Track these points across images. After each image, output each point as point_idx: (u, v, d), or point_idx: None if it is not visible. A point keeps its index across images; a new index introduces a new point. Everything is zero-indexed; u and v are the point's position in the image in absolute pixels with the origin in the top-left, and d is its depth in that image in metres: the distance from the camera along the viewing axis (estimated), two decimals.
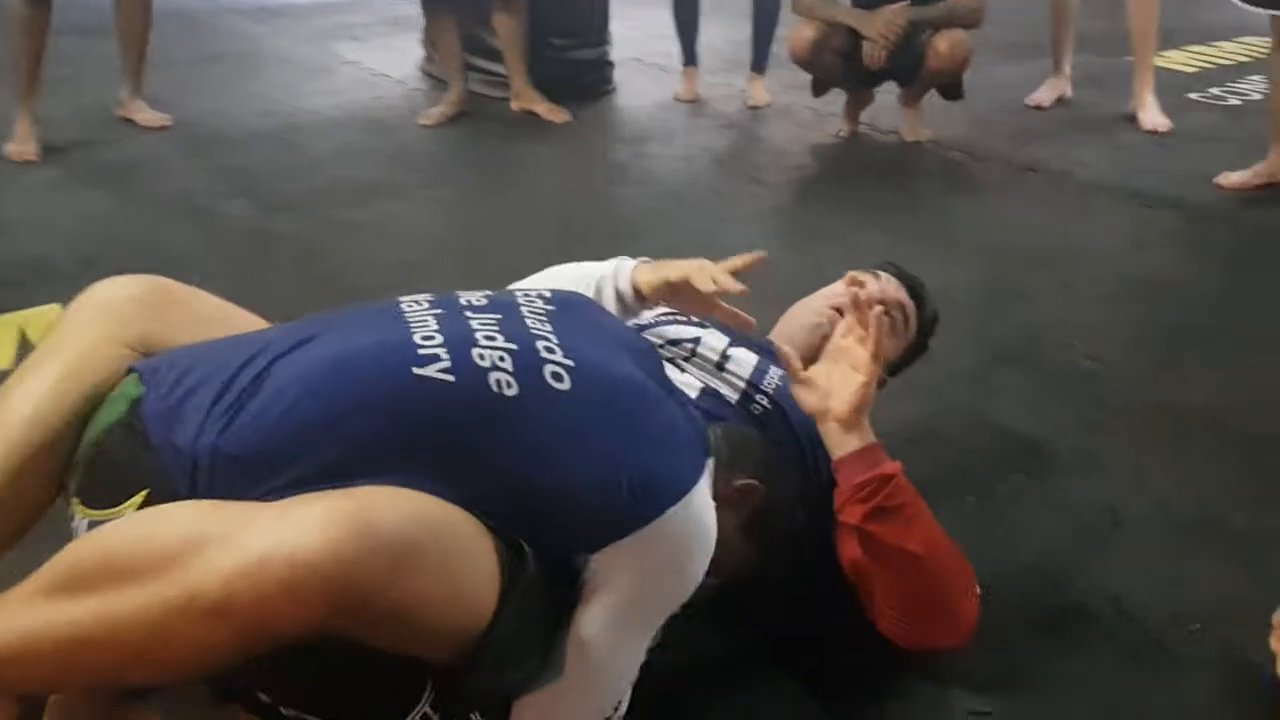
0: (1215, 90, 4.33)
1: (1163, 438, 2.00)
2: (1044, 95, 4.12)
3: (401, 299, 1.25)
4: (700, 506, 1.16)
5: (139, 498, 1.06)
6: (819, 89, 3.78)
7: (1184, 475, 1.87)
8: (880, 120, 3.86)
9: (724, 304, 1.52)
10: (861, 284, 1.67)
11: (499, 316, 1.21)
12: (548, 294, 1.31)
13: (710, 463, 1.20)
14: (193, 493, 1.04)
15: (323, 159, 3.51)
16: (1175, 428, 2.03)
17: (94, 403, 1.15)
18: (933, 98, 3.71)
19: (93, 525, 1.07)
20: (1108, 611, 1.56)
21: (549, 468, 1.11)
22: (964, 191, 3.40)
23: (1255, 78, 4.43)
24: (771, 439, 1.44)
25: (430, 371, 1.11)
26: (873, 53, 3.45)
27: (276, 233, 2.90)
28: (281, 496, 0.99)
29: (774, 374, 1.57)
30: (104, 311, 1.23)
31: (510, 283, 1.54)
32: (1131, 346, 2.35)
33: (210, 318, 1.29)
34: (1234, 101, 4.22)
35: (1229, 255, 2.89)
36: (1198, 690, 1.43)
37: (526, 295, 1.30)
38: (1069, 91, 4.18)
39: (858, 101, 3.81)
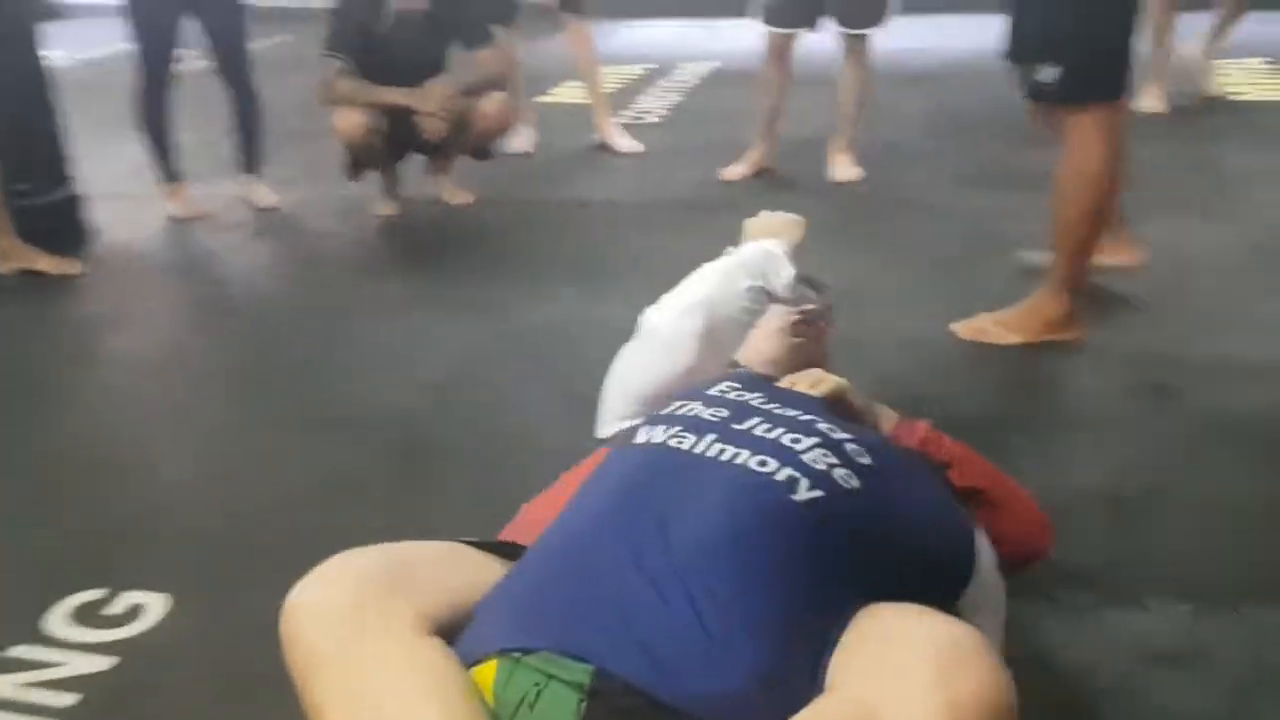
0: (627, 114, 5.04)
1: None
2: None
3: (669, 439, 1.23)
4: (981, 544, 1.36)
5: None
6: (356, 172, 3.72)
7: None
8: (409, 192, 3.91)
9: None
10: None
11: (768, 422, 1.26)
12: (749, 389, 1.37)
13: None
14: None
15: None
16: None
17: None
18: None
19: None
20: None
21: (913, 534, 1.24)
22: (574, 230, 3.63)
23: (643, 98, 5.28)
24: None
25: (804, 495, 1.14)
26: (434, 127, 3.51)
27: None
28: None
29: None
30: (374, 619, 1.04)
31: None
32: None
33: (435, 559, 1.16)
34: (653, 120, 4.98)
35: None
36: None
37: (744, 395, 1.35)
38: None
39: (392, 180, 3.82)
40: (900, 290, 2.96)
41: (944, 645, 0.95)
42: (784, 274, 1.80)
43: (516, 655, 0.99)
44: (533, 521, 1.39)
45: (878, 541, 1.16)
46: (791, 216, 2.00)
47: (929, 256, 3.18)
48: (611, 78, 5.14)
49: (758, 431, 1.22)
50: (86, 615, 1.76)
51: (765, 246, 1.86)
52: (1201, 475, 2.04)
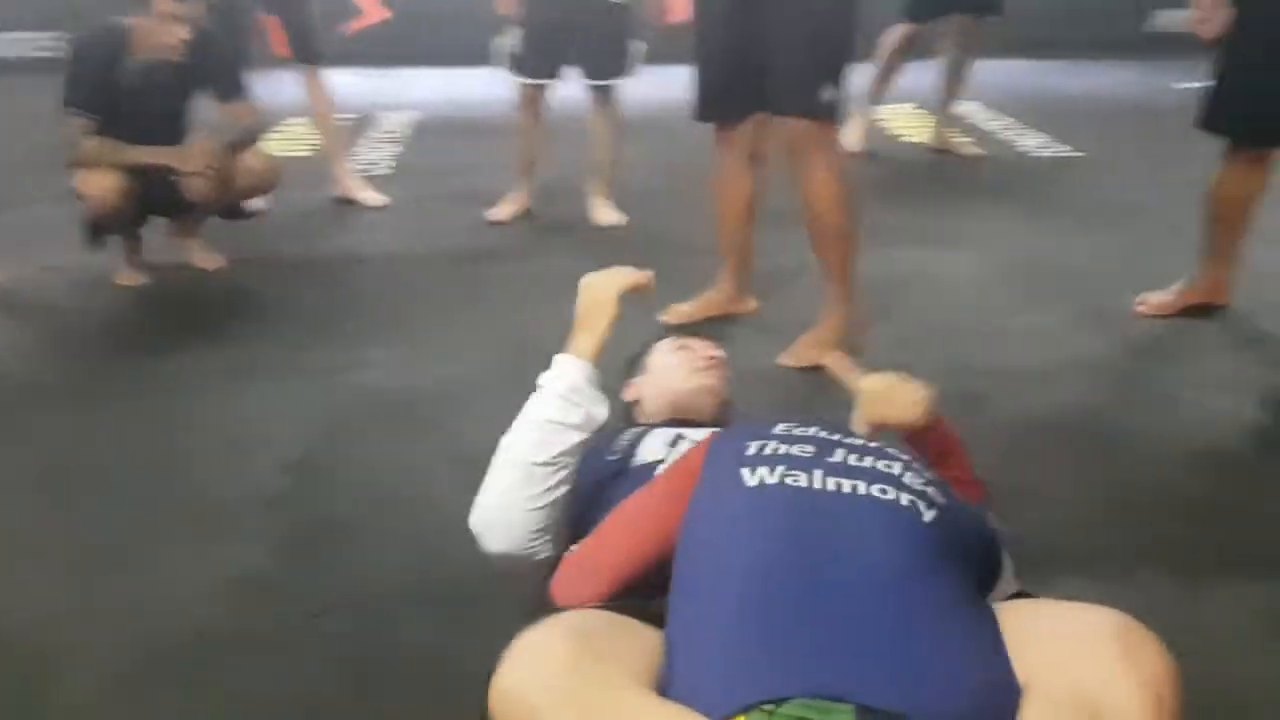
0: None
1: None
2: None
3: (786, 479, 1.27)
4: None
5: None
6: (97, 239, 3.38)
7: None
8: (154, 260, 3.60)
9: None
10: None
11: (853, 453, 1.34)
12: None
13: None
14: None
15: None
16: None
17: None
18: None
19: None
20: None
21: (972, 534, 1.40)
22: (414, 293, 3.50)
23: (359, 151, 5.17)
24: None
25: (927, 516, 1.25)
26: (200, 187, 3.27)
27: None
28: None
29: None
30: (595, 678, 1.05)
31: None
32: None
33: (599, 625, 1.17)
34: (384, 171, 4.89)
35: None
36: None
37: (806, 430, 1.42)
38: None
39: (136, 246, 3.50)
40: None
41: (1114, 631, 1.09)
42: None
43: (768, 708, 1.02)
44: (609, 566, 1.39)
45: (969, 547, 1.29)
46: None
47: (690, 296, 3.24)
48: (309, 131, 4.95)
49: (851, 462, 1.30)
50: None
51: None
52: (1026, 469, 2.33)
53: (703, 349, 2.04)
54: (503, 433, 2.43)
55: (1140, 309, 3.16)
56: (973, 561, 1.29)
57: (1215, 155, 3.03)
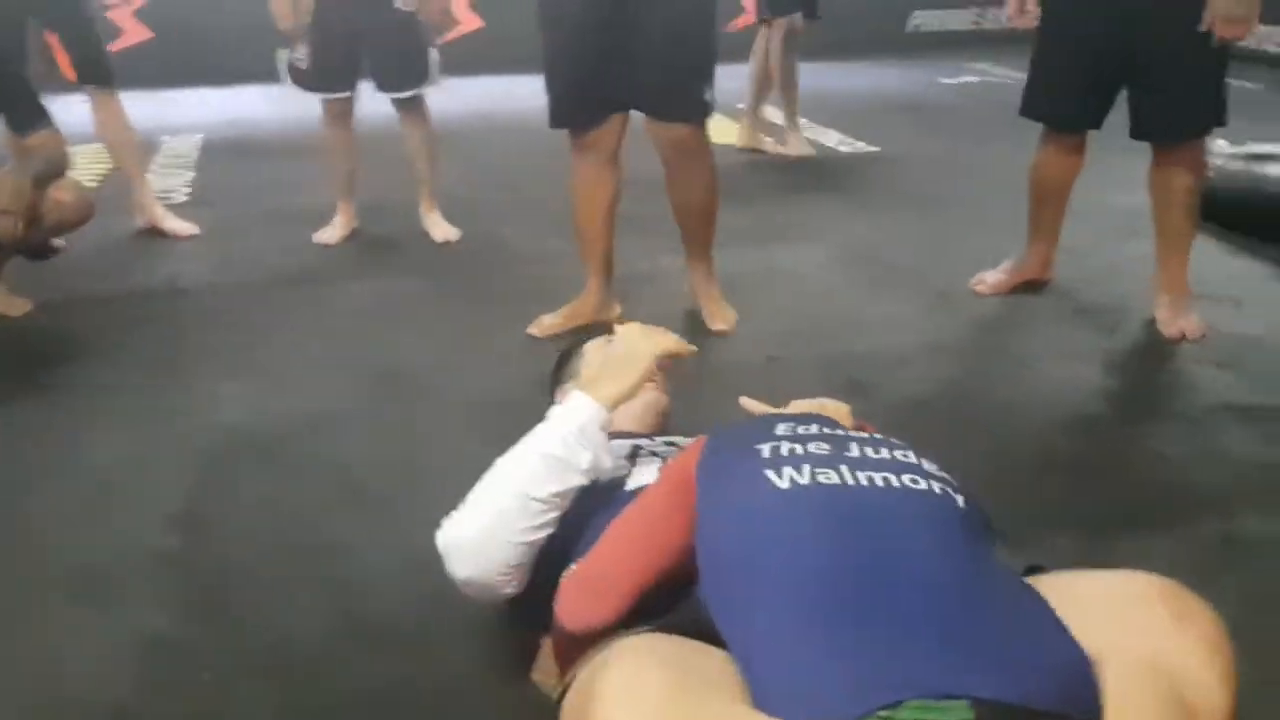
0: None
1: None
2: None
3: (819, 477, 1.25)
4: None
5: None
6: None
7: None
8: None
9: None
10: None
11: (866, 445, 1.34)
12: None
13: None
14: None
15: None
16: None
17: None
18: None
19: None
20: None
21: None
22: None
23: (150, 178, 4.81)
24: None
25: (960, 502, 1.28)
26: (6, 226, 2.94)
27: None
28: None
29: None
30: (698, 693, 1.02)
31: None
32: None
33: (675, 645, 1.14)
34: (183, 199, 4.57)
35: None
36: None
37: (809, 428, 1.42)
38: None
39: None
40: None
41: (1160, 594, 1.12)
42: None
43: (884, 714, 1.00)
44: (619, 585, 1.33)
45: (989, 528, 1.31)
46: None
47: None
48: (98, 158, 4.59)
49: (870, 454, 1.29)
50: None
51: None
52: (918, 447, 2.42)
53: None
54: (387, 465, 2.35)
55: (979, 289, 3.35)
56: (993, 541, 1.31)
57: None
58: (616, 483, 1.61)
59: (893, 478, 1.25)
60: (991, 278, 3.37)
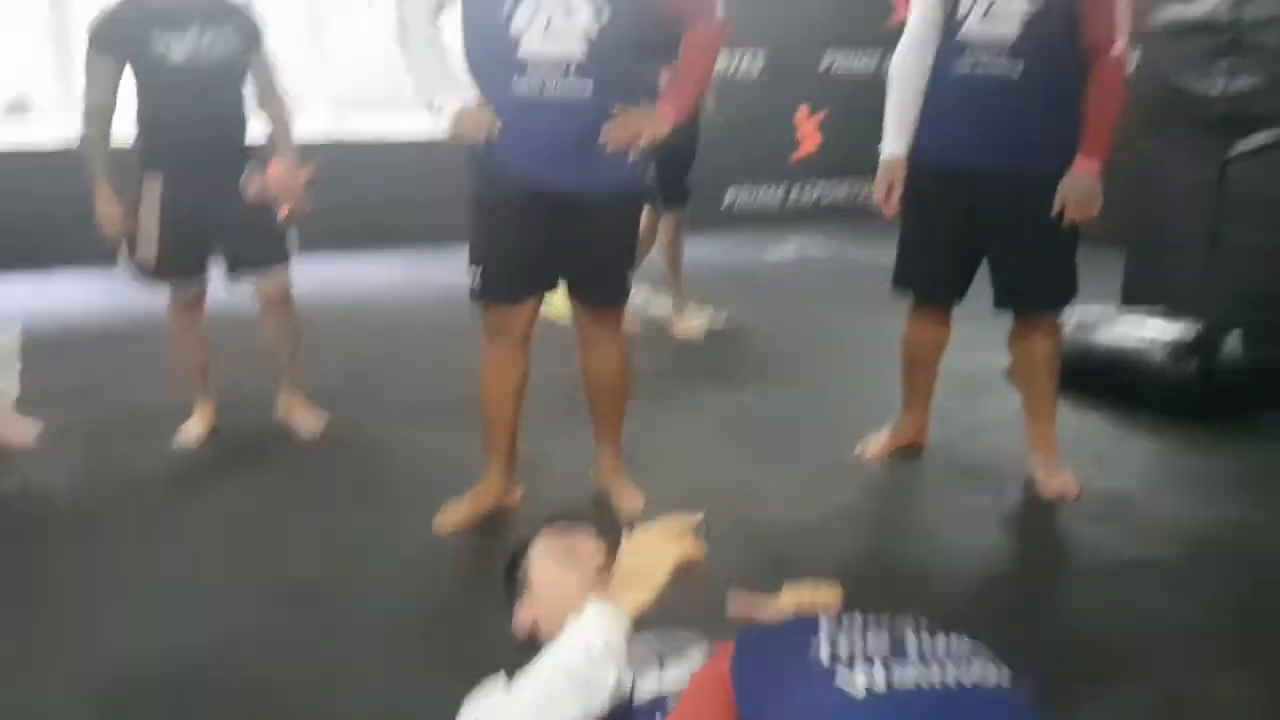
0: None
1: None
2: None
3: (893, 678, 1.26)
4: None
5: None
6: None
7: None
8: None
9: None
10: None
11: (913, 634, 1.37)
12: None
13: None
14: None
15: None
16: None
17: None
18: None
19: None
20: None
21: None
22: None
23: None
24: None
25: (1023, 689, 1.33)
26: None
27: None
28: None
29: None
30: None
31: None
32: None
33: None
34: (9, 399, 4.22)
35: None
36: None
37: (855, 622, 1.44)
38: None
39: None
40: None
41: None
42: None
43: None
44: None
45: None
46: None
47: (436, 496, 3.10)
48: None
49: (927, 648, 1.30)
50: None
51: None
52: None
53: (589, 555, 1.91)
54: (329, 693, 2.17)
55: (866, 454, 3.47)
56: None
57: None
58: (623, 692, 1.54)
59: (962, 673, 1.26)
60: (875, 443, 3.50)
